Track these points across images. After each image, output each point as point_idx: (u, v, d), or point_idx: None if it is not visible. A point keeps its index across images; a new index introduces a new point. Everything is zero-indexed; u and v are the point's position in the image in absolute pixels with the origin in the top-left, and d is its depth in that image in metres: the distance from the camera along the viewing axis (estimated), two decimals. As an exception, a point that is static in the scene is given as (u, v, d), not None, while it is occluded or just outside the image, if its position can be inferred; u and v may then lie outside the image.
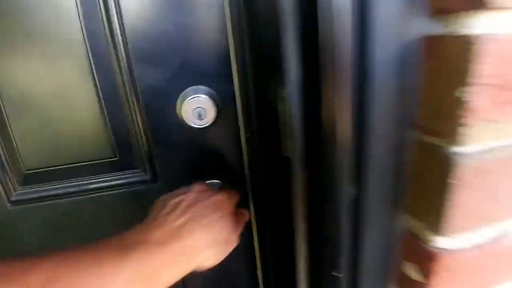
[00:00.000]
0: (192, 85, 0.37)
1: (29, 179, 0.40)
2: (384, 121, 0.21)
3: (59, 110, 0.37)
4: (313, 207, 0.27)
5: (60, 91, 0.36)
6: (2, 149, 0.38)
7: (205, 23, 0.35)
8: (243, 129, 0.39)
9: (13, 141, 0.38)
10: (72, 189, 0.41)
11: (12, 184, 0.40)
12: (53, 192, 0.41)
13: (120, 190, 0.41)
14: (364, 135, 0.21)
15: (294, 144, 0.23)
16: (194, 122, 0.37)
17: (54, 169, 0.40)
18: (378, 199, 0.23)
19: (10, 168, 0.39)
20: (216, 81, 0.37)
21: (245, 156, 0.41)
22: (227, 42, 0.36)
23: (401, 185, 0.24)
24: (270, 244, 0.42)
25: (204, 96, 0.36)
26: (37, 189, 0.41)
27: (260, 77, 0.33)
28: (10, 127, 0.37)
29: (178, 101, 0.37)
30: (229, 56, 0.36)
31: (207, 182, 0.41)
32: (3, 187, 0.40)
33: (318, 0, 0.19)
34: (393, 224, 0.25)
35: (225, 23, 0.35)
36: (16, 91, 0.36)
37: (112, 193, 0.41)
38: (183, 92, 0.37)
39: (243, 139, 0.39)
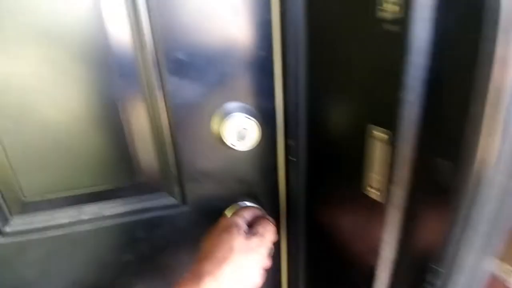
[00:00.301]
0: (230, 101, 0.33)
1: (28, 207, 0.34)
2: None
3: (75, 128, 0.31)
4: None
5: (78, 106, 0.30)
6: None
7: (248, 36, 0.31)
8: (283, 153, 0.35)
9: (9, 165, 0.31)
10: (84, 217, 0.35)
11: (8, 212, 0.34)
12: (55, 222, 0.35)
13: (141, 216, 0.36)
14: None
15: (397, 189, 0.20)
16: (233, 143, 0.33)
17: (60, 196, 0.34)
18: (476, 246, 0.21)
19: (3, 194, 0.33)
20: (257, 99, 0.33)
21: (281, 185, 0.37)
22: (271, 57, 0.32)
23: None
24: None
25: (246, 114, 0.32)
26: (38, 218, 0.34)
27: (323, 99, 0.29)
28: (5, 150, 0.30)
29: (215, 118, 0.33)
30: (273, 72, 0.32)
31: (249, 205, 0.37)
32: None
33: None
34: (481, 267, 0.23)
35: (271, 38, 0.31)
36: (18, 102, 0.29)
37: (131, 220, 0.36)
38: (220, 109, 0.33)
39: (281, 164, 0.36)
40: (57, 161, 0.32)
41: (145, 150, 0.34)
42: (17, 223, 0.34)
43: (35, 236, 0.35)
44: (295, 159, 0.33)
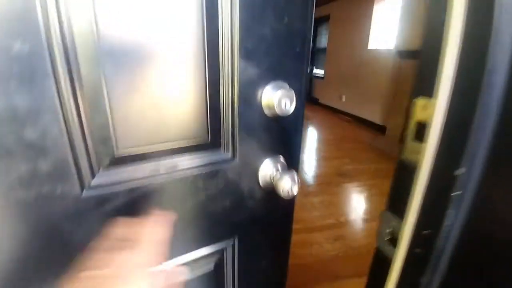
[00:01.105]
0: (275, 80, 0.47)
1: (116, 161, 0.40)
2: None
3: (168, 91, 0.41)
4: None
5: (172, 71, 0.40)
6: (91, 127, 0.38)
7: (293, 33, 0.46)
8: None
9: (109, 119, 0.38)
10: (162, 171, 0.43)
11: (97, 166, 0.39)
12: (137, 175, 0.42)
13: (206, 169, 0.47)
14: None
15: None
16: (276, 110, 0.46)
17: (145, 151, 0.42)
18: None
19: (96, 147, 0.39)
20: (292, 79, 0.49)
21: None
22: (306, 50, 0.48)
23: None
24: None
25: (287, 89, 0.47)
26: (122, 172, 0.41)
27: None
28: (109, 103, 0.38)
29: (265, 92, 0.47)
30: (304, 60, 0.48)
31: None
32: (86, 168, 0.38)
33: None
34: None
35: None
36: (126, 63, 0.38)
37: (199, 172, 0.46)
38: (268, 85, 0.47)
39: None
40: (152, 117, 0.40)
41: (215, 115, 0.45)
42: (102, 177, 0.40)
43: (116, 189, 0.40)
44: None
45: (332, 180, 2.84)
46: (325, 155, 3.56)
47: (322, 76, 6.67)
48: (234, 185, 0.50)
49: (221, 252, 0.56)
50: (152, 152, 0.42)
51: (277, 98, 0.45)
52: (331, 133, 4.64)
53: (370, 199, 2.48)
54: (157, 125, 0.41)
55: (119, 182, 0.41)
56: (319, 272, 1.64)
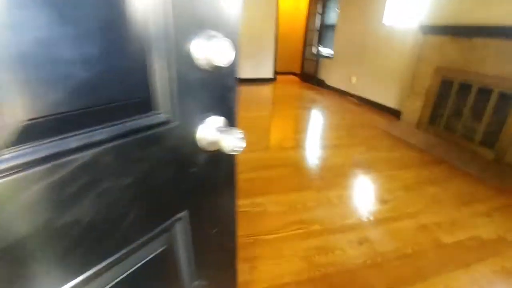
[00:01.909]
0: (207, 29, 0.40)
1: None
2: None
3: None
4: None
5: None
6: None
7: None
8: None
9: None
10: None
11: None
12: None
13: (143, 135, 0.38)
14: None
15: None
16: (212, 62, 0.40)
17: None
18: None
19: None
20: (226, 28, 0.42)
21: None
22: None
23: None
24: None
25: (222, 38, 0.40)
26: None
27: None
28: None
29: (199, 43, 0.39)
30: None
31: None
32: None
33: None
34: None
35: None
36: None
37: (135, 140, 0.37)
38: (202, 35, 0.39)
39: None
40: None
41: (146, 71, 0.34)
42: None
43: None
44: None
45: (348, 171, 2.55)
46: (337, 143, 3.26)
47: (330, 55, 6.23)
48: (176, 151, 0.46)
49: (172, 228, 0.53)
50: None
51: (212, 49, 0.40)
52: (341, 118, 4.31)
53: (393, 193, 2.20)
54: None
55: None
56: (344, 286, 1.38)
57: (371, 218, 1.88)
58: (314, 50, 6.84)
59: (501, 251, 1.64)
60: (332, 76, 6.26)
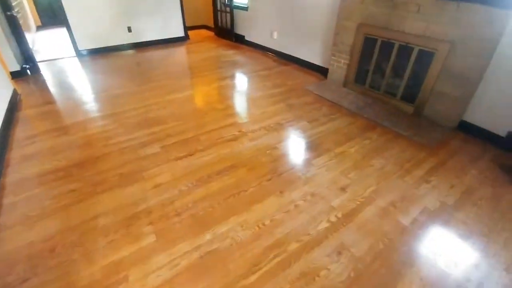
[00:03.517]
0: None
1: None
2: None
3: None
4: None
5: None
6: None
7: None
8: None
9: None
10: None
11: None
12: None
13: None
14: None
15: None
16: None
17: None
18: None
19: None
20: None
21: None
22: None
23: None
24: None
25: None
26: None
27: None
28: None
29: None
30: None
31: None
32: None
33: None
34: None
35: None
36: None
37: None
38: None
39: None
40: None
41: None
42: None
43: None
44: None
45: (300, 159, 2.44)
46: (278, 121, 3.07)
47: (245, 6, 5.60)
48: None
49: None
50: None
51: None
52: (272, 84, 4.07)
53: (347, 176, 2.21)
54: None
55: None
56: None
57: (339, 215, 1.85)
58: (226, -1, 6.02)
59: (447, 220, 1.85)
60: (251, 32, 5.75)
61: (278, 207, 1.90)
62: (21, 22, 4.46)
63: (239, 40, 6.10)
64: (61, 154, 2.47)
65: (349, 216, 1.85)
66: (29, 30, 5.93)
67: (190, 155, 2.46)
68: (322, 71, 4.33)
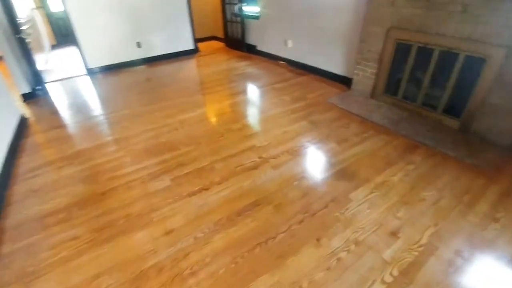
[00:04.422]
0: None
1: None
2: None
3: None
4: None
5: None
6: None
7: None
8: None
9: None
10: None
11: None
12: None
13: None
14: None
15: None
16: None
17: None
18: None
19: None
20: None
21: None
22: None
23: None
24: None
25: None
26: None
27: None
28: None
29: None
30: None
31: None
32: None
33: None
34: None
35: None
36: None
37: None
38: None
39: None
40: None
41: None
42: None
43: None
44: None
45: (335, 192, 2.07)
46: (304, 144, 2.72)
47: (257, 15, 5.33)
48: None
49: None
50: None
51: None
52: (290, 99, 3.74)
53: (396, 216, 1.83)
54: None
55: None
56: None
57: (395, 273, 1.47)
58: (235, 8, 5.77)
59: (535, 276, 1.44)
60: (264, 41, 5.46)
61: (316, 262, 1.54)
62: (33, 43, 4.35)
63: (251, 51, 5.82)
64: (64, 190, 2.21)
65: (407, 274, 1.46)
66: (42, 50, 5.87)
67: (205, 189, 2.14)
68: (344, 81, 3.96)
